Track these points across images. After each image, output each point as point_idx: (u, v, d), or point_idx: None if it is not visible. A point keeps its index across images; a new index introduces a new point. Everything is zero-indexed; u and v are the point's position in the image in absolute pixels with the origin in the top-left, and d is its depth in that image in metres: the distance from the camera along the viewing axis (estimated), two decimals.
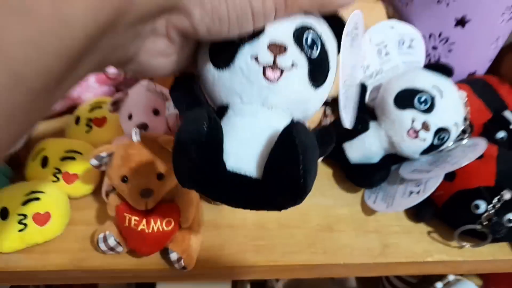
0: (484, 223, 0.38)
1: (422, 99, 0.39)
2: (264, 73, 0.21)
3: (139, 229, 0.36)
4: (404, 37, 0.46)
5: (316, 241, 0.40)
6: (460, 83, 0.47)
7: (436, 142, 0.40)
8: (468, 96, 0.44)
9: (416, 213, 0.42)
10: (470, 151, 0.40)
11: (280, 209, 0.21)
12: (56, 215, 0.39)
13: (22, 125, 0.16)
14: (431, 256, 0.40)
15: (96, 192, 0.43)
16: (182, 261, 0.37)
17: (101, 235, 0.37)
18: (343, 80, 0.27)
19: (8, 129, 0.15)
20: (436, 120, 0.39)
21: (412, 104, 0.39)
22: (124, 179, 0.35)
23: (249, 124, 0.22)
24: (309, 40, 0.22)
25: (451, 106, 0.40)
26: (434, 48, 0.48)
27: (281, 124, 0.22)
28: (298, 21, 0.22)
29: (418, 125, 0.39)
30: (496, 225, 0.37)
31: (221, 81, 0.23)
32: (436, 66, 0.41)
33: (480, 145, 0.40)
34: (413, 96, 0.39)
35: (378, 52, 0.45)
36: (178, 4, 0.19)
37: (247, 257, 0.39)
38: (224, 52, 0.22)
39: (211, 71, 0.23)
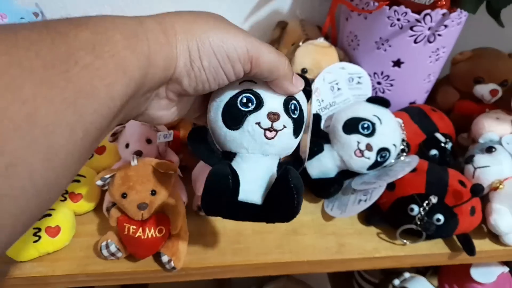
0: (418, 223, 0.46)
1: (365, 126, 0.48)
2: (265, 134, 0.32)
3: (136, 236, 0.43)
4: (353, 75, 0.57)
5: (284, 243, 0.48)
6: (400, 111, 0.57)
7: (379, 159, 0.49)
8: (405, 121, 0.54)
9: (366, 218, 0.51)
10: (406, 166, 0.49)
11: (271, 223, 0.32)
12: (65, 228, 0.46)
13: (78, 166, 0.23)
14: (379, 253, 0.48)
15: (97, 209, 0.50)
16: (172, 263, 0.44)
17: (103, 243, 0.44)
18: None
19: (76, 166, 0.23)
20: (377, 141, 0.48)
21: (357, 129, 0.48)
22: (123, 195, 0.43)
23: (253, 168, 0.33)
24: (293, 107, 0.33)
25: (389, 130, 0.49)
26: (379, 83, 0.58)
27: (274, 164, 0.33)
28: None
29: (362, 146, 0.48)
30: (427, 224, 0.46)
31: (232, 138, 0.33)
32: (376, 99, 0.51)
33: (414, 161, 0.49)
34: (358, 123, 0.48)
35: (331, 88, 0.54)
36: (172, 77, 0.28)
37: (227, 258, 0.46)
38: (235, 119, 0.32)
39: (223, 130, 0.32)
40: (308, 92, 0.36)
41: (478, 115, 0.57)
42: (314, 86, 0.54)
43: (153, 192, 0.43)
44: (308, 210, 0.52)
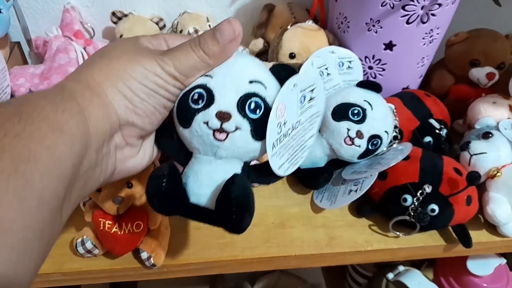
0: (412, 214, 0.44)
1: (355, 112, 0.46)
2: (213, 135, 0.28)
3: (112, 231, 0.40)
4: (343, 60, 0.54)
5: (271, 237, 0.45)
6: (392, 97, 0.54)
7: (370, 147, 0.46)
8: (398, 107, 0.51)
9: (357, 209, 0.48)
10: (398, 154, 0.46)
11: (229, 231, 0.30)
12: None
13: (48, 240, 0.22)
14: (371, 246, 0.46)
15: None
16: (151, 259, 0.42)
17: (79, 240, 0.42)
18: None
19: (39, 243, 0.21)
20: (368, 128, 0.45)
21: (347, 116, 0.46)
22: (98, 189, 0.40)
23: (206, 170, 0.30)
24: (252, 105, 0.28)
25: (380, 116, 0.46)
26: (370, 68, 0.55)
27: (234, 168, 0.30)
28: (243, 90, 0.28)
29: (353, 134, 0.45)
30: (421, 214, 0.43)
31: (185, 136, 0.30)
32: (366, 84, 0.48)
33: (407, 148, 0.47)
34: (347, 109, 0.46)
35: (320, 73, 0.52)
36: (121, 122, 0.27)
37: (211, 253, 0.44)
38: (184, 117, 0.29)
39: (179, 127, 0.30)
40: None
41: (474, 100, 0.55)
42: (302, 71, 0.51)
43: (129, 185, 0.40)
44: (297, 201, 0.49)
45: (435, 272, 0.66)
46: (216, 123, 0.28)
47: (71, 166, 0.23)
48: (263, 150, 0.30)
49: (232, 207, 0.27)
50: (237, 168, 0.31)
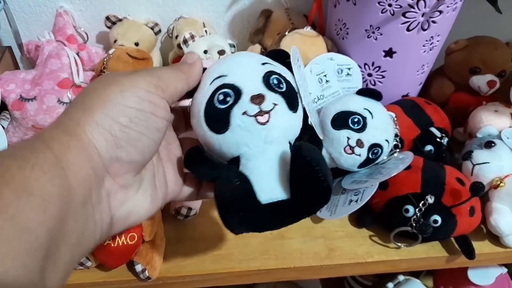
0: (414, 225, 0.43)
1: (355, 120, 0.44)
2: (257, 120, 0.27)
3: (105, 243, 0.39)
4: (342, 67, 0.53)
5: (269, 248, 0.44)
6: (392, 104, 0.54)
7: (371, 156, 0.45)
8: (398, 115, 0.50)
9: (358, 219, 0.47)
10: (400, 163, 0.45)
11: (312, 214, 0.28)
12: None
13: None
14: (372, 257, 0.45)
15: None
16: (146, 272, 0.40)
17: None
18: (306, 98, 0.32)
19: None
20: (368, 137, 0.44)
21: (347, 124, 0.44)
22: None
23: (262, 162, 0.28)
24: (276, 81, 0.29)
25: (381, 125, 0.45)
26: (370, 75, 0.54)
27: (285, 151, 0.28)
28: (261, 71, 0.29)
29: (353, 142, 0.44)
30: (423, 225, 0.42)
31: (227, 141, 0.28)
32: (366, 92, 0.47)
33: (408, 158, 0.46)
34: (347, 118, 0.45)
35: (319, 80, 0.51)
36: (105, 162, 0.24)
37: (207, 266, 0.43)
38: (219, 121, 0.28)
39: (214, 137, 0.29)
40: (287, 64, 0.32)
41: (475, 108, 0.54)
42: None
43: None
44: None
45: (435, 281, 0.65)
46: (254, 108, 0.27)
47: (47, 233, 0.19)
48: (300, 123, 0.31)
49: (314, 166, 0.26)
50: (287, 150, 0.29)
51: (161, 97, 0.26)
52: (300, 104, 0.30)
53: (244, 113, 0.27)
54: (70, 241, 0.21)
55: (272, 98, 0.28)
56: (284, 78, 0.30)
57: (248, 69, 0.29)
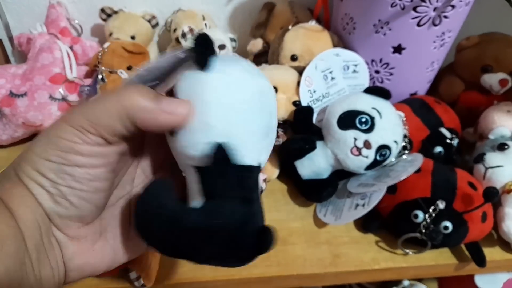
0: (423, 231, 0.41)
1: (363, 120, 0.42)
2: None
3: None
4: (349, 63, 0.51)
5: (271, 254, 0.42)
6: (400, 103, 0.51)
7: (378, 158, 0.43)
8: (407, 115, 0.48)
9: (364, 224, 0.45)
10: (409, 166, 0.43)
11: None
12: None
13: None
14: (378, 264, 0.42)
15: None
16: (141, 280, 0.38)
17: None
18: None
19: None
20: (376, 138, 0.42)
21: (354, 124, 0.42)
22: None
23: None
24: None
25: (390, 125, 0.43)
26: (377, 72, 0.52)
27: None
28: None
29: (360, 144, 0.42)
30: (434, 232, 0.40)
31: None
32: (375, 90, 0.45)
33: (418, 160, 0.44)
34: (354, 117, 0.42)
35: (324, 77, 0.48)
36: (50, 215, 0.22)
37: (206, 272, 0.40)
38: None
39: None
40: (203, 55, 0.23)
41: (486, 108, 0.52)
42: (305, 75, 0.47)
43: None
44: (299, 215, 0.46)
45: (440, 286, 0.63)
46: None
47: (4, 272, 0.19)
48: None
49: None
50: None
51: (95, 134, 0.22)
52: None
53: None
54: (29, 283, 0.20)
55: None
56: None
57: None
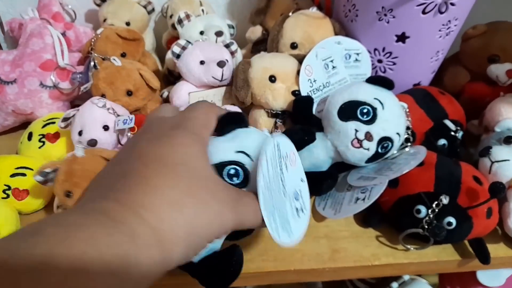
0: (426, 227, 0.39)
1: (364, 111, 0.41)
2: None
3: None
4: (350, 52, 0.49)
5: (268, 249, 0.41)
6: (403, 94, 0.50)
7: (380, 150, 0.41)
8: (410, 106, 0.46)
9: (364, 219, 0.44)
10: (411, 159, 0.42)
11: None
12: (5, 232, 0.38)
13: None
14: (379, 260, 0.41)
15: (49, 207, 0.43)
16: None
17: None
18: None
19: None
20: (378, 130, 0.41)
21: (355, 115, 0.41)
22: (68, 194, 0.35)
23: None
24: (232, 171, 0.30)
25: (393, 117, 0.42)
26: (380, 61, 0.50)
27: None
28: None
29: (361, 135, 0.41)
30: (436, 228, 0.39)
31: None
32: (377, 80, 0.43)
33: (421, 153, 0.42)
34: (356, 108, 0.41)
35: (325, 66, 0.47)
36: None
37: None
38: None
39: None
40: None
41: (492, 99, 0.50)
42: (305, 64, 0.46)
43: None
44: None
45: (441, 281, 0.62)
46: None
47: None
48: None
49: None
50: None
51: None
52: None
53: None
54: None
55: None
56: (243, 168, 0.30)
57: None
